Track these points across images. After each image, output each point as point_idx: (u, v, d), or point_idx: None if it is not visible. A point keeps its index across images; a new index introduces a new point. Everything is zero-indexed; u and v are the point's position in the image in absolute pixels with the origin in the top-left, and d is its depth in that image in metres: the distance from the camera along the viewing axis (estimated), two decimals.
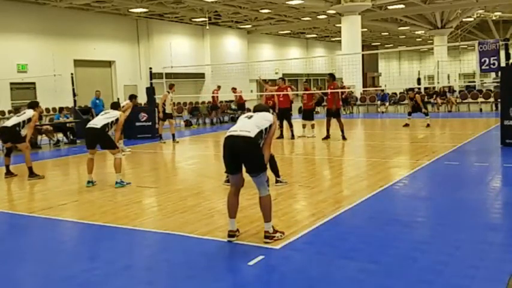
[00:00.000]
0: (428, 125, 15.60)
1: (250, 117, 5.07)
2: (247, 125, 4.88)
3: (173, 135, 14.53)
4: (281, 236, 4.93)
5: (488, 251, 4.50)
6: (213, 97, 21.81)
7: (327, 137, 13.36)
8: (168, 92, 14.65)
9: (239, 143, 4.78)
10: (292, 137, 13.89)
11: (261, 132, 4.86)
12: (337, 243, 4.82)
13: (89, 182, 8.25)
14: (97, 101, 16.36)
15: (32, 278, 4.42)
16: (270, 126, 5.01)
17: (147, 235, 5.42)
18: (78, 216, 6.41)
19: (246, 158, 4.80)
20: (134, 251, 5.00)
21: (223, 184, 7.79)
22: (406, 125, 16.05)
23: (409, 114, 16.60)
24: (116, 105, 8.97)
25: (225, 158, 4.94)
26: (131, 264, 4.58)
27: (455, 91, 24.57)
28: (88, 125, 8.28)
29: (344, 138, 12.96)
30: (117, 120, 8.40)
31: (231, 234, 4.96)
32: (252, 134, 4.77)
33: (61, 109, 16.48)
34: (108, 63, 31.61)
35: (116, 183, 8.07)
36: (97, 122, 8.22)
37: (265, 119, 5.03)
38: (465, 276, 3.96)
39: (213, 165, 10.46)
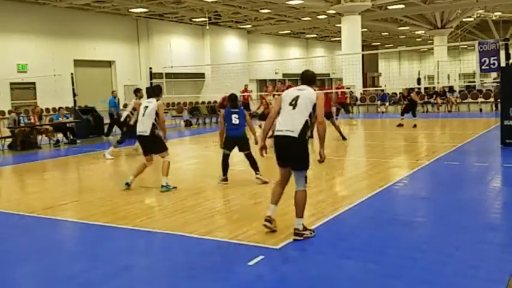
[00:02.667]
0: (415, 126, 15.44)
1: (295, 102, 4.92)
2: (292, 122, 4.86)
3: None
4: (311, 234, 4.91)
5: (488, 251, 4.50)
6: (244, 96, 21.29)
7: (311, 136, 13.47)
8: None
9: (285, 143, 4.91)
10: None
11: (306, 123, 4.85)
12: (337, 243, 4.82)
13: (127, 183, 7.79)
14: (115, 100, 16.41)
15: (32, 278, 4.42)
16: (314, 106, 4.88)
17: (147, 235, 5.41)
18: (78, 216, 6.41)
19: (291, 157, 4.94)
20: (134, 251, 5.00)
21: (219, 182, 7.92)
22: (400, 125, 15.94)
23: (402, 114, 16.45)
24: (153, 92, 8.15)
25: (276, 154, 5.07)
26: (131, 264, 4.57)
27: (455, 91, 24.52)
28: (138, 132, 7.77)
29: (344, 138, 12.96)
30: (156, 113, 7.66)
31: (268, 219, 5.01)
32: (296, 134, 4.83)
33: (59, 109, 16.46)
34: (108, 63, 31.61)
35: (162, 186, 7.59)
36: (145, 127, 7.60)
37: (310, 99, 4.91)
38: (465, 276, 3.95)
39: (213, 165, 10.44)
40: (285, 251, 4.62)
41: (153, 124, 7.58)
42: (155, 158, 7.80)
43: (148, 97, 8.34)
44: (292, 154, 4.92)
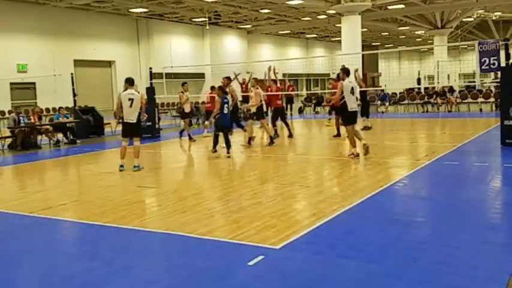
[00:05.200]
0: (366, 128, 14.74)
1: (353, 91, 9.50)
2: (355, 101, 9.75)
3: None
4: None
5: (488, 251, 4.50)
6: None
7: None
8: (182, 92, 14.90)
9: (357, 112, 9.56)
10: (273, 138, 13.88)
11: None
12: (337, 243, 4.82)
13: (121, 166, 9.36)
14: None
15: (32, 278, 4.42)
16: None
17: (147, 235, 5.41)
18: (78, 216, 6.41)
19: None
20: (134, 251, 5.00)
21: (211, 151, 10.82)
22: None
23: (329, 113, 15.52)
24: (132, 82, 9.58)
25: (352, 117, 9.79)
26: (131, 264, 4.57)
27: (455, 91, 24.43)
28: (126, 120, 9.40)
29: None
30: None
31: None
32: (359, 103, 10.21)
33: (59, 109, 16.44)
34: (108, 63, 31.63)
35: (134, 166, 9.31)
36: (133, 116, 9.38)
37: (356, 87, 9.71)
38: (465, 276, 3.95)
39: (213, 165, 10.46)
40: (285, 251, 4.62)
41: (139, 113, 9.46)
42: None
43: (128, 87, 9.60)
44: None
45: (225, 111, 10.58)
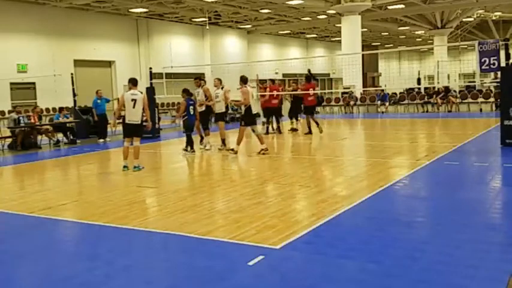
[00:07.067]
0: (294, 130, 15.36)
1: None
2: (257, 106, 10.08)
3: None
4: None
5: (488, 251, 4.50)
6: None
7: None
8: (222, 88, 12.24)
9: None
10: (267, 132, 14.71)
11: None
12: (337, 243, 4.82)
13: (124, 166, 9.35)
14: (98, 101, 16.17)
15: (32, 278, 4.42)
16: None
17: (147, 235, 5.41)
18: (78, 216, 6.41)
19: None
20: (134, 251, 5.00)
21: (183, 152, 11.41)
22: (294, 129, 15.35)
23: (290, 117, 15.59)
24: (135, 82, 9.60)
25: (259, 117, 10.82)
26: (131, 264, 4.57)
27: (450, 91, 24.22)
28: (128, 121, 9.36)
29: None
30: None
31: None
32: None
33: (61, 109, 16.42)
34: (108, 63, 31.61)
35: (134, 167, 9.26)
36: (137, 117, 9.36)
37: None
38: (465, 276, 3.95)
39: (213, 165, 10.47)
40: (285, 251, 4.62)
41: (142, 113, 9.40)
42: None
43: (131, 87, 9.61)
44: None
45: (191, 112, 11.16)
